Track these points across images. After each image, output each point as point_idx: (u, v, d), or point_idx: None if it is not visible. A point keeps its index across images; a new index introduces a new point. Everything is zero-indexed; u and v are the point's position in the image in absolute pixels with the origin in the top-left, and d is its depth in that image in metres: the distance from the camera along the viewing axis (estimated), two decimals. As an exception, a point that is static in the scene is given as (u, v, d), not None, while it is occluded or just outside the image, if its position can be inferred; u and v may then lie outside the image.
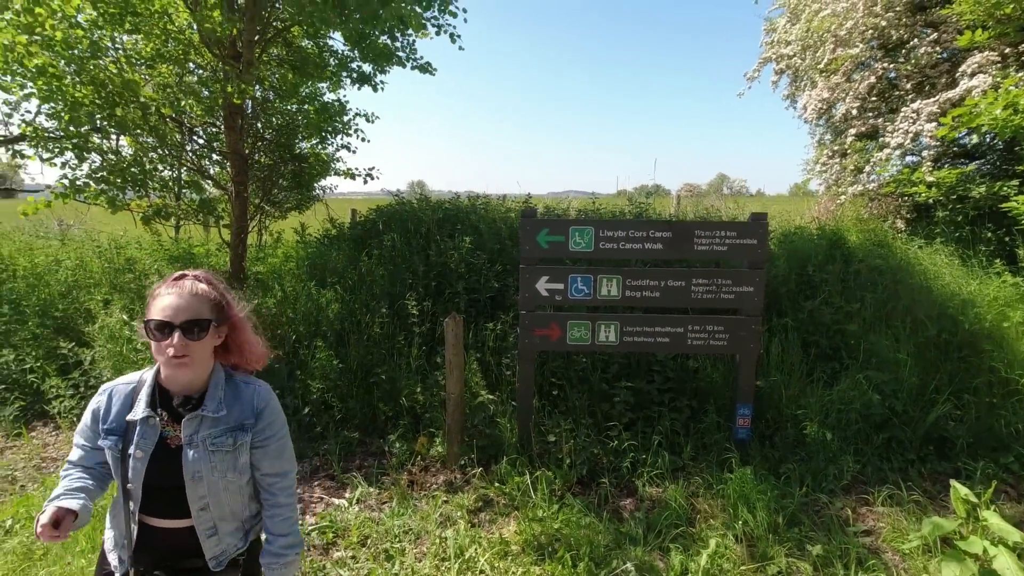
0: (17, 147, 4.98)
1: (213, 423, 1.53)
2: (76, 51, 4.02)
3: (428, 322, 5.05)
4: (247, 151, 5.74)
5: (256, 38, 5.04)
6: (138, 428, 1.50)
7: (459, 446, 3.98)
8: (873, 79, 6.16)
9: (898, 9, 5.90)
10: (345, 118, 6.00)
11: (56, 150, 4.62)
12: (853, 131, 6.34)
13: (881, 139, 6.16)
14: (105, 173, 4.50)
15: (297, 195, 7.04)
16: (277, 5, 4.71)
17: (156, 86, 4.69)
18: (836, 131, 6.98)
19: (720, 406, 4.23)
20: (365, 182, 6.44)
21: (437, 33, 5.24)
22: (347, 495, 3.71)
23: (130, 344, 4.98)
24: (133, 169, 4.61)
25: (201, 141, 6.48)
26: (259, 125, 6.05)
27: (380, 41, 5.24)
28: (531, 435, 3.97)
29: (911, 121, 5.84)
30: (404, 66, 5.60)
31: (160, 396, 1.55)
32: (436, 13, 5.04)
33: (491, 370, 4.64)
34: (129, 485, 1.49)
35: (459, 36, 5.36)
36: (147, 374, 1.59)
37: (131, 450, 1.48)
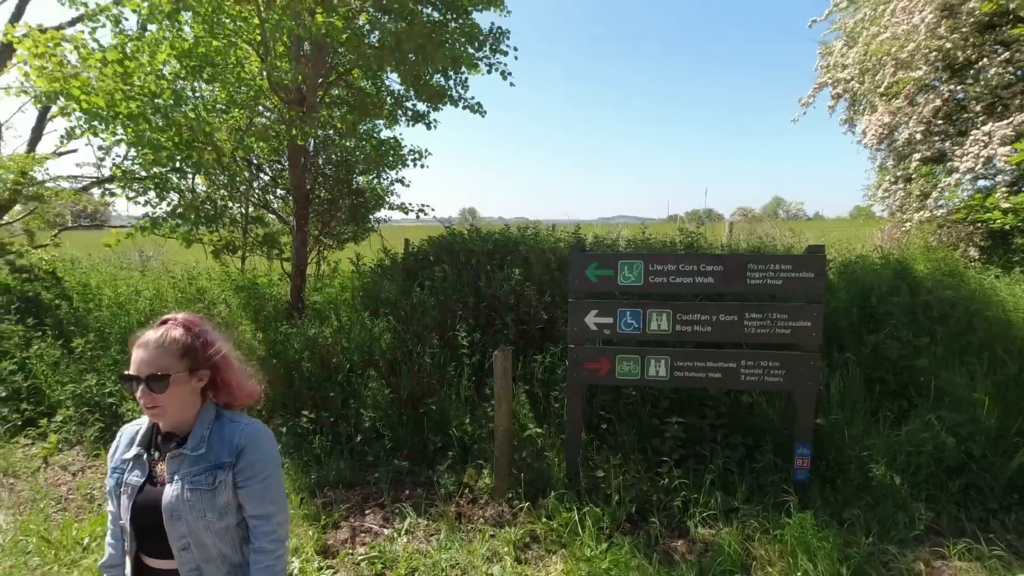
0: (108, 186, 5.46)
1: (193, 461, 1.52)
2: (160, 100, 4.40)
3: (478, 353, 5.11)
4: (308, 187, 6.05)
5: (320, 81, 5.37)
6: (130, 465, 1.55)
7: (507, 479, 3.98)
8: (939, 102, 5.91)
9: (964, 30, 5.66)
10: (400, 153, 6.25)
11: (140, 189, 5.02)
12: (918, 155, 6.07)
13: (949, 163, 5.87)
14: (181, 209, 4.86)
15: (354, 227, 7.33)
16: (339, 51, 5.00)
17: (229, 129, 5.05)
18: (899, 156, 6.70)
19: (777, 445, 4.07)
20: (417, 217, 6.65)
21: (489, 71, 5.42)
22: (396, 525, 3.77)
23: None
24: (207, 206, 4.94)
25: (267, 178, 6.90)
26: (320, 161, 6.38)
27: (434, 81, 5.47)
28: (579, 470, 3.93)
29: (982, 144, 5.55)
30: (456, 105, 5.80)
31: (157, 435, 1.59)
32: (487, 53, 5.23)
33: (540, 402, 4.64)
34: (122, 522, 1.54)
35: (510, 73, 5.52)
36: None
37: (122, 487, 1.54)
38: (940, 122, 6.06)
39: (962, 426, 3.92)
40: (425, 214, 6.64)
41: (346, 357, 5.34)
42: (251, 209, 6.44)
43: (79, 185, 6.22)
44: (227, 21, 4.89)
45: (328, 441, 4.60)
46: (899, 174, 6.84)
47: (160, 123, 4.35)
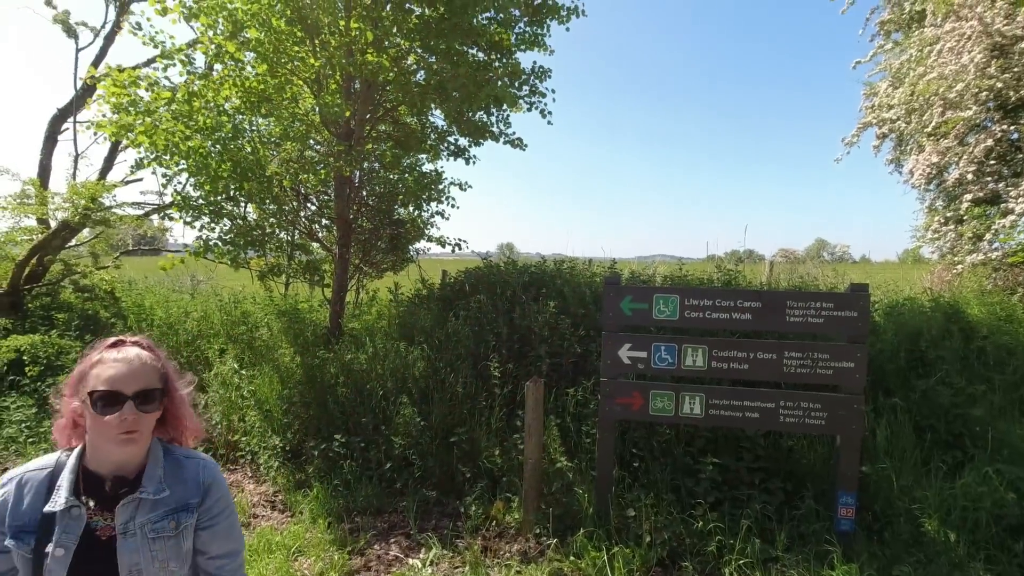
0: (168, 211, 5.79)
1: (153, 506, 1.33)
2: (220, 134, 4.69)
3: (510, 384, 5.10)
4: (352, 217, 6.27)
5: (368, 116, 5.62)
6: (58, 521, 1.26)
7: (535, 513, 3.91)
8: (991, 142, 5.74)
9: (1016, 69, 5.53)
10: (440, 186, 6.43)
11: (195, 215, 5.30)
12: (969, 196, 5.87)
13: (1004, 205, 5.66)
14: (232, 235, 5.10)
15: (393, 257, 7.52)
16: (387, 88, 5.24)
17: (280, 161, 5.33)
18: (949, 196, 6.49)
19: (819, 492, 3.88)
20: (453, 251, 6.79)
21: (529, 109, 5.59)
22: (421, 555, 3.73)
23: (238, 391, 5.45)
24: (255, 232, 5.18)
25: (313, 207, 7.18)
26: (364, 193, 6.62)
27: (476, 117, 5.65)
28: (609, 508, 3.83)
29: (1039, 186, 5.34)
30: (497, 140, 5.97)
31: (85, 482, 1.32)
32: (527, 93, 5.40)
33: (570, 436, 4.58)
34: None
35: (550, 112, 5.67)
36: (65, 457, 1.35)
37: (48, 548, 1.24)
38: (993, 162, 5.87)
39: (1024, 481, 3.67)
40: (461, 248, 6.76)
41: (380, 383, 5.41)
42: (296, 236, 6.69)
43: (142, 211, 6.61)
44: (285, 60, 5.22)
45: (358, 466, 4.63)
46: (949, 215, 6.62)
47: (218, 156, 4.63)
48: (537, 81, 6.72)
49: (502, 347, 5.43)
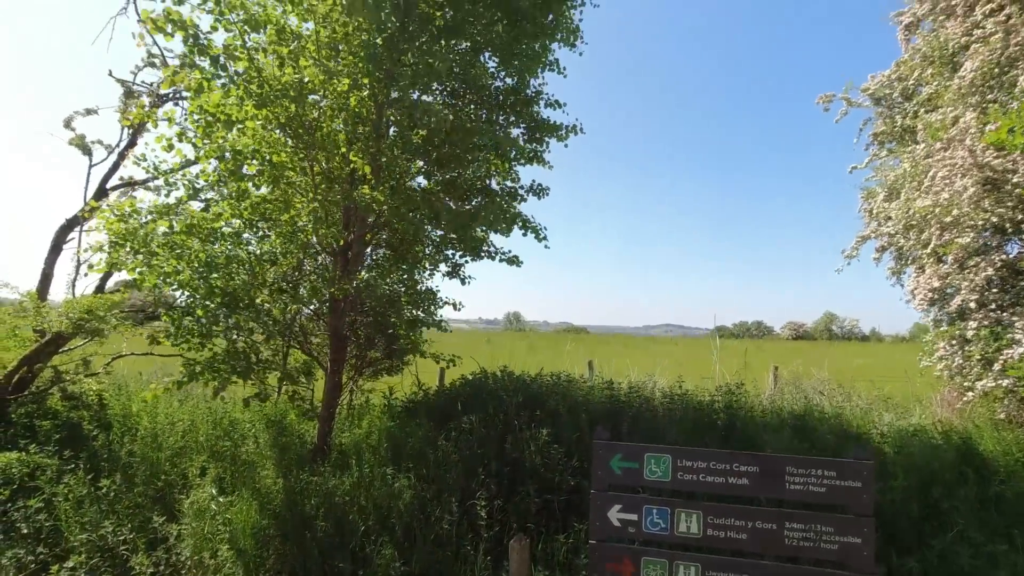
0: (155, 324, 5.76)
1: None
2: (213, 270, 4.71)
3: (498, 525, 4.84)
4: (346, 333, 6.21)
5: (365, 239, 5.68)
6: None
7: None
8: (991, 270, 5.68)
9: (1010, 203, 5.55)
10: (434, 308, 6.42)
11: (184, 338, 5.25)
12: (974, 324, 5.75)
13: (1009, 335, 5.51)
14: (218, 362, 5.03)
15: (388, 363, 7.41)
16: (384, 208, 5.30)
17: (271, 289, 5.33)
18: (951, 319, 6.36)
19: None
20: (447, 367, 6.69)
21: (524, 235, 5.65)
22: None
23: (214, 521, 5.19)
24: (241, 357, 5.11)
25: (309, 311, 7.16)
26: (359, 302, 6.59)
27: (473, 236, 5.71)
28: None
29: (1045, 318, 5.21)
30: (493, 259, 5.99)
31: None
32: (518, 227, 5.49)
33: (560, 593, 4.26)
34: None
35: (544, 235, 5.74)
36: None
37: None
38: (995, 291, 5.78)
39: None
40: (453, 364, 6.66)
41: (362, 516, 5.14)
42: (290, 344, 6.62)
43: (138, 322, 6.62)
44: (285, 184, 5.34)
45: (332, 621, 4.31)
46: (956, 335, 6.46)
47: (207, 288, 4.65)
48: (536, 197, 6.86)
49: (491, 482, 5.19)
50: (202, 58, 3.74)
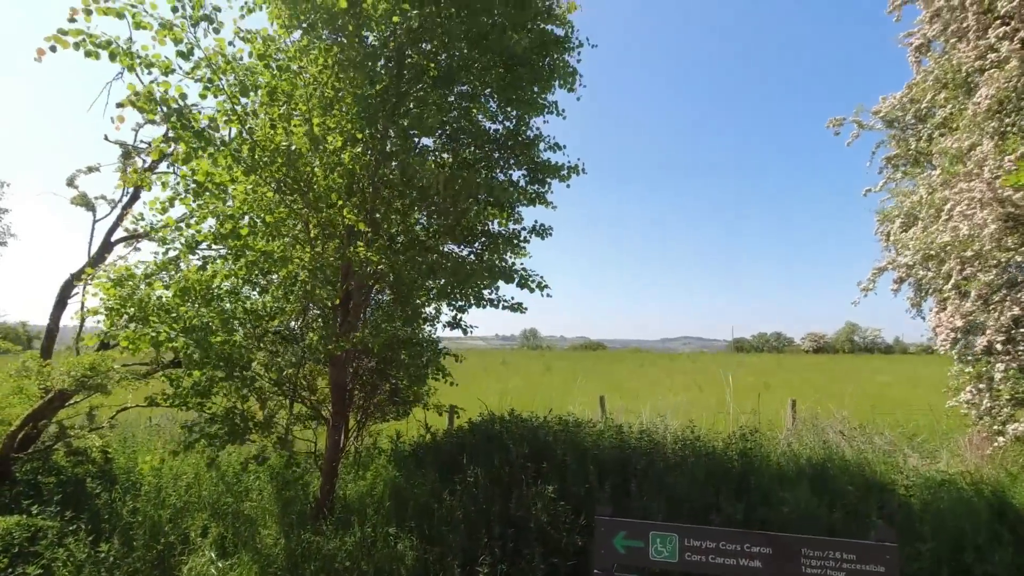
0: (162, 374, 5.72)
1: None
2: (207, 334, 4.64)
3: (501, 593, 4.64)
4: (348, 385, 6.11)
5: (362, 298, 5.59)
6: None
7: None
8: (1017, 309, 5.40)
9: (1035, 242, 5.29)
10: (437, 356, 6.31)
11: (181, 401, 5.18)
12: (1002, 367, 5.45)
13: (1041, 380, 5.22)
14: (214, 428, 4.95)
15: (394, 410, 7.29)
16: (380, 267, 5.21)
17: (274, 340, 5.26)
18: (977, 359, 6.06)
19: None
20: (451, 418, 6.53)
21: (520, 287, 5.53)
22: None
23: (214, 588, 5.07)
24: (239, 426, 5.02)
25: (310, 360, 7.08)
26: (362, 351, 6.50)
27: (474, 287, 5.60)
28: None
29: (1078, 362, 4.92)
30: (496, 307, 5.87)
31: None
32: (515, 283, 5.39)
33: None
34: None
35: (547, 286, 5.62)
36: None
37: None
38: (1022, 331, 5.49)
39: None
40: (457, 415, 6.51)
41: (363, 583, 4.98)
42: (293, 399, 6.53)
43: (140, 376, 6.58)
44: (281, 235, 5.29)
45: None
46: (983, 372, 6.15)
47: (202, 354, 4.58)
48: (539, 237, 6.74)
49: (495, 545, 5.00)
50: (186, 132, 3.70)
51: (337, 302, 5.01)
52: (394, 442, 7.61)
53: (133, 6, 3.63)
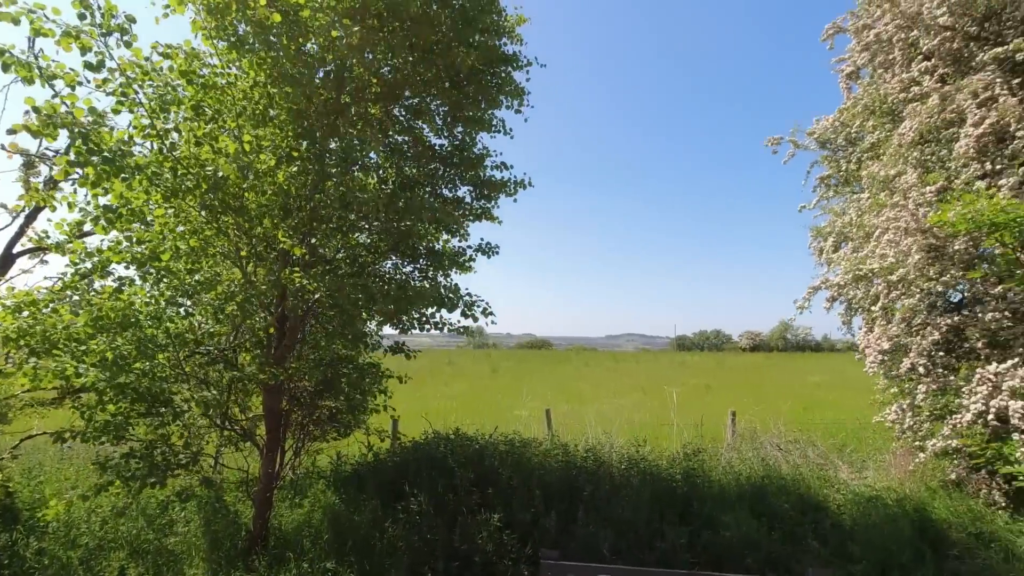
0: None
1: None
2: (121, 364, 4.24)
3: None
4: (284, 409, 5.78)
5: (300, 322, 5.28)
6: None
7: None
8: (937, 335, 5.71)
9: (954, 271, 5.61)
10: (375, 386, 6.08)
11: (95, 436, 4.74)
12: (923, 388, 5.76)
13: (957, 401, 5.54)
14: (136, 461, 4.57)
15: (334, 431, 6.98)
16: (318, 296, 4.93)
17: (202, 363, 4.89)
18: (902, 381, 6.39)
19: None
20: (394, 432, 6.30)
21: (464, 316, 5.39)
22: None
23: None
24: (160, 465, 4.64)
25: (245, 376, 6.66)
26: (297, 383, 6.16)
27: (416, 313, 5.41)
28: None
29: (990, 384, 5.25)
30: (442, 329, 5.70)
31: None
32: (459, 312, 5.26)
33: None
34: None
35: (492, 312, 5.50)
36: None
37: None
38: (942, 354, 5.82)
39: None
40: (398, 439, 6.29)
41: (298, 628, 4.72)
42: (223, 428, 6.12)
43: (47, 402, 6.01)
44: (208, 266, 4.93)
45: None
46: (907, 391, 6.49)
47: (115, 391, 4.19)
48: (485, 256, 6.61)
49: (438, 583, 4.85)
50: (94, 155, 3.32)
51: (271, 331, 4.70)
52: (334, 464, 7.30)
53: (32, 11, 3.23)
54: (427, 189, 6.09)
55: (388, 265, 6.04)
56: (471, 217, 6.63)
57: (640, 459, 6.40)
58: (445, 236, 6.43)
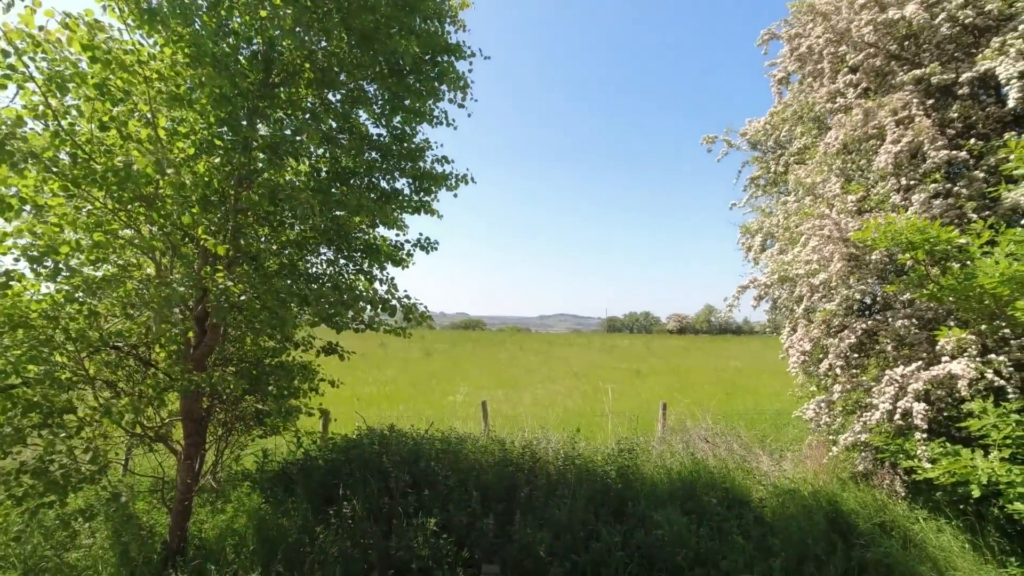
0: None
1: None
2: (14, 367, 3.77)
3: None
4: (203, 415, 5.40)
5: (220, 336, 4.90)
6: None
7: None
8: (853, 338, 6.09)
9: (871, 280, 5.99)
10: (306, 386, 5.78)
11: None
12: (839, 388, 6.15)
13: (868, 400, 5.95)
14: (14, 483, 4.11)
15: (260, 431, 6.60)
16: (242, 298, 4.57)
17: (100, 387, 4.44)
18: (820, 380, 6.81)
19: None
20: (324, 424, 6.05)
21: (406, 320, 5.20)
22: None
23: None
24: (46, 482, 4.20)
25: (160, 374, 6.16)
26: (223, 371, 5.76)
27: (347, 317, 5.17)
28: None
29: (897, 385, 5.66)
30: (377, 330, 5.48)
31: None
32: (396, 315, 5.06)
33: None
34: None
35: (429, 316, 5.34)
36: None
37: None
38: (856, 356, 6.24)
39: None
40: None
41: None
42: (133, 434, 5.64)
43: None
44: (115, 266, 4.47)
45: None
46: (824, 388, 6.90)
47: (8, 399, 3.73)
48: (423, 251, 6.41)
49: (373, 592, 4.72)
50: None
51: (190, 335, 4.32)
52: (260, 463, 6.93)
53: None
54: (364, 180, 5.80)
55: (322, 259, 5.73)
56: (409, 210, 6.38)
57: (576, 456, 6.49)
58: (382, 231, 6.18)
